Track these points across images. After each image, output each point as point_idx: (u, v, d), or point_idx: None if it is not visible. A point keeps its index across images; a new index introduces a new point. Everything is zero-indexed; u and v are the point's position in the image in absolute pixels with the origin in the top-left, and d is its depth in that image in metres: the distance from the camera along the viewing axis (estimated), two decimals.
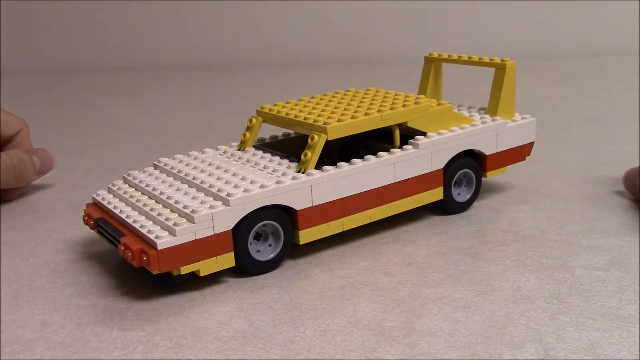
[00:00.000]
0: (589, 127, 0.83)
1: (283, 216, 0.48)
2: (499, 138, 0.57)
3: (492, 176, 0.59)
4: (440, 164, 0.54)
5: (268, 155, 0.52)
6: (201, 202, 0.45)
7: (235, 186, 0.46)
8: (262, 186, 0.46)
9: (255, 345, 0.39)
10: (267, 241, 0.48)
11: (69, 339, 0.40)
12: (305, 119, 0.51)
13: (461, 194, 0.57)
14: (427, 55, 0.65)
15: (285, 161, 0.51)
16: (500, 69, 0.59)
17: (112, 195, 0.51)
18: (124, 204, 0.49)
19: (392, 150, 0.52)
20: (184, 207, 0.45)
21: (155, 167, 0.54)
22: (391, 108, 0.52)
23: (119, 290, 0.46)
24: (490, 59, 0.60)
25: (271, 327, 0.41)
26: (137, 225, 0.45)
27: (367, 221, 0.51)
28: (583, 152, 0.73)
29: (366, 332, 0.39)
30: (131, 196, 0.49)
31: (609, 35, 1.50)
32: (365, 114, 0.51)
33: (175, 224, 0.43)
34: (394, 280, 0.46)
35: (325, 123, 0.49)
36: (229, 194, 0.45)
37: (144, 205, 0.47)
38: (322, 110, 0.53)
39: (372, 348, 0.38)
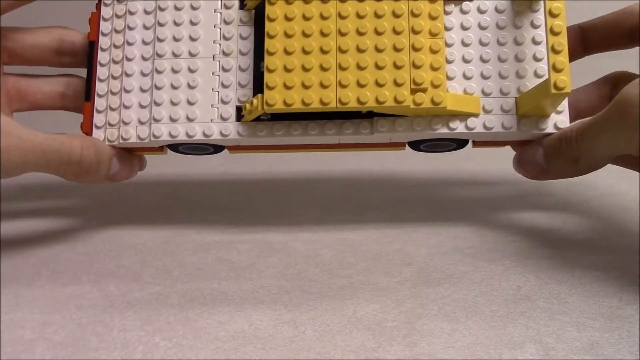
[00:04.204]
0: None
1: None
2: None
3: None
4: None
5: None
6: None
7: None
8: None
9: (255, 345, 0.39)
10: None
11: (69, 339, 0.40)
12: None
13: None
14: None
15: None
16: None
17: None
18: None
19: None
20: None
21: None
22: None
23: (119, 290, 0.46)
24: None
25: (271, 327, 0.41)
26: None
27: None
28: None
29: (366, 332, 0.39)
30: None
31: None
32: None
33: None
34: (394, 280, 0.46)
35: None
36: None
37: None
38: None
39: (372, 348, 0.38)
